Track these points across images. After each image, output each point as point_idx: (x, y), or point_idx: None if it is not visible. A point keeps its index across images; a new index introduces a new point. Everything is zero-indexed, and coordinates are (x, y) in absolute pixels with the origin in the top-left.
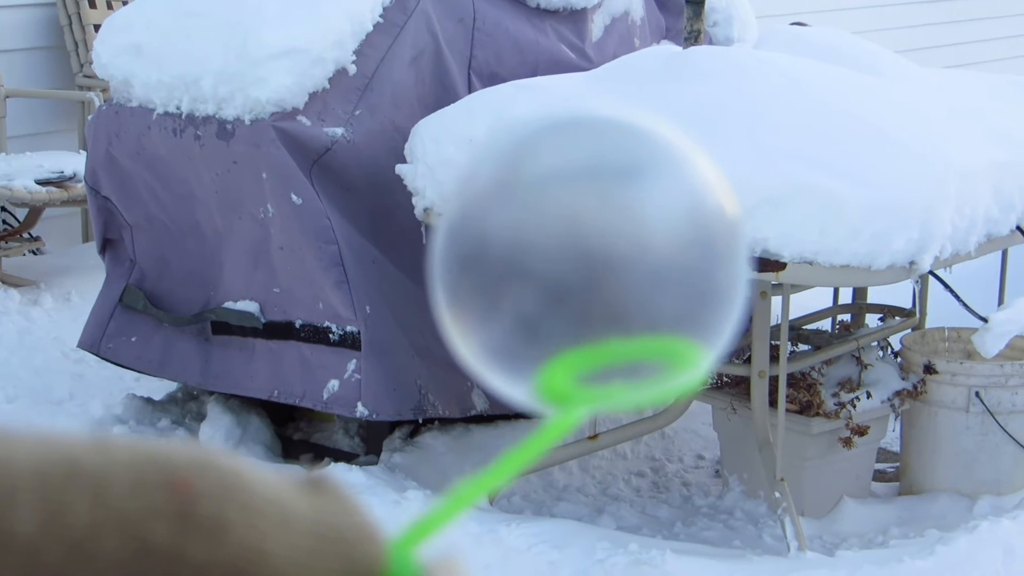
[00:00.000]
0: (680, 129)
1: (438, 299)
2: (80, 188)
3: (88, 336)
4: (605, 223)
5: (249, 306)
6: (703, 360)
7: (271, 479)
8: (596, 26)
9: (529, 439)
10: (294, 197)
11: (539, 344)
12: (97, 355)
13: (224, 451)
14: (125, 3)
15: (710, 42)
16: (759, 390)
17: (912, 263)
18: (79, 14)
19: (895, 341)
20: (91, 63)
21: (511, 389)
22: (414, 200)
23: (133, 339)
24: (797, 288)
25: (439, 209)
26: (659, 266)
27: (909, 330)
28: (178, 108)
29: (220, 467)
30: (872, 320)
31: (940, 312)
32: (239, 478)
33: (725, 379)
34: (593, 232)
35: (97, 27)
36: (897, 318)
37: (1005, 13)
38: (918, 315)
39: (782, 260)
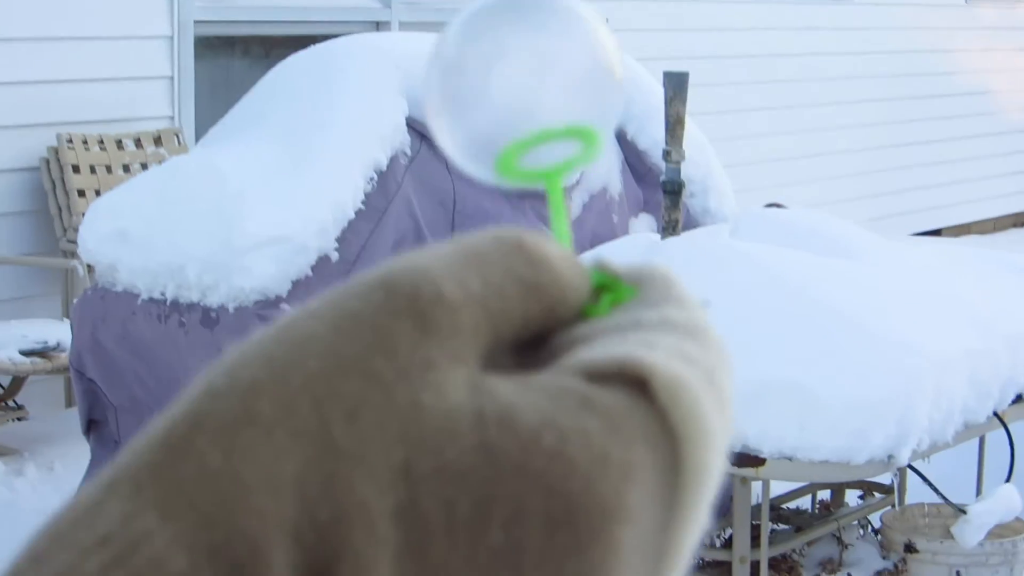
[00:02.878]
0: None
1: (429, 121)
2: (64, 357)
3: None
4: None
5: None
6: (603, 134)
7: None
8: (575, 204)
9: (552, 214)
10: None
11: (494, 140)
12: None
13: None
14: (108, 169)
15: (687, 214)
16: (741, 575)
17: (891, 457)
18: (63, 179)
19: (875, 518)
20: (75, 228)
21: (483, 175)
22: None
23: None
24: None
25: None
26: (567, 76)
27: (889, 507)
28: (163, 294)
29: (523, 231)
30: (852, 496)
31: (920, 485)
32: (530, 233)
33: (706, 562)
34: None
35: (81, 192)
36: (877, 495)
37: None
38: (897, 492)
39: (761, 456)
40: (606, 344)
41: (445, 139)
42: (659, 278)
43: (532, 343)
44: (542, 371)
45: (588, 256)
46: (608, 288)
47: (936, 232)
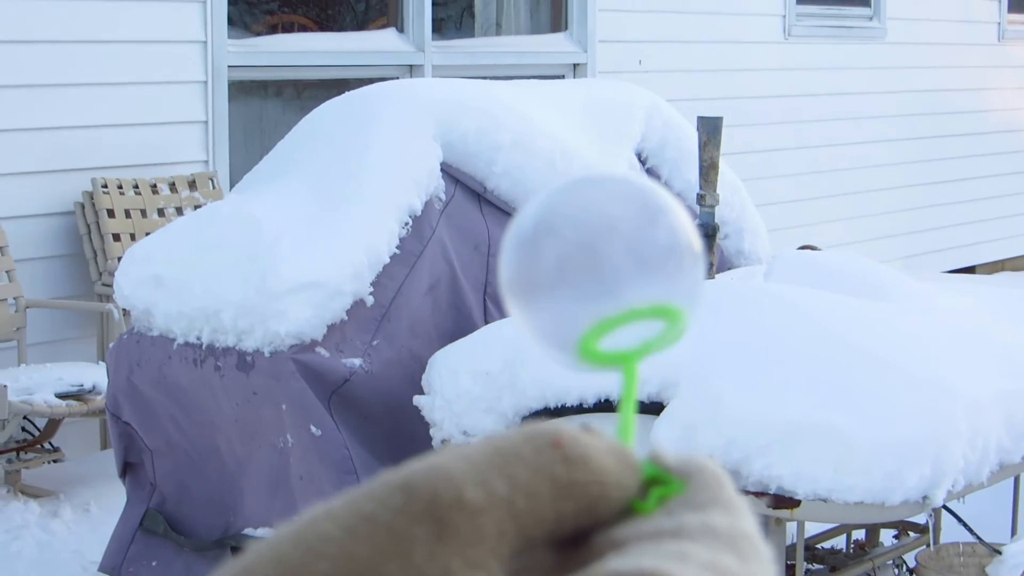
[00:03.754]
0: (693, 364)
1: (507, 301)
2: (99, 400)
3: (109, 560)
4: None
5: (269, 534)
6: (688, 313)
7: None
8: None
9: (622, 400)
10: (313, 428)
11: (576, 321)
12: None
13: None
14: (143, 214)
15: (721, 256)
16: None
17: (925, 498)
18: (97, 223)
19: (910, 558)
20: (110, 272)
21: (563, 358)
22: (432, 431)
23: (154, 563)
24: None
25: (446, 433)
26: (646, 255)
27: (924, 546)
28: (198, 339)
29: (562, 427)
30: (887, 536)
31: (955, 524)
32: (569, 429)
33: None
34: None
35: (115, 236)
36: (911, 534)
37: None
38: (932, 531)
39: (796, 497)
40: (640, 553)
41: (523, 320)
42: (709, 475)
43: (575, 538)
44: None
45: (644, 448)
46: (658, 481)
47: (970, 269)
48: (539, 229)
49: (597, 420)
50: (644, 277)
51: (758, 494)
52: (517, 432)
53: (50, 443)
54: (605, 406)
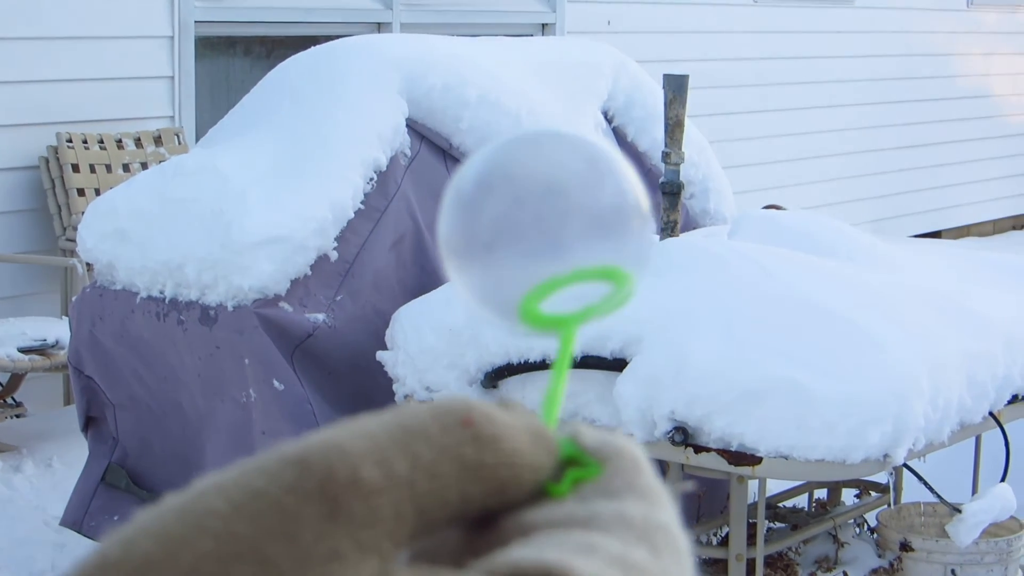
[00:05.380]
0: (657, 321)
1: (445, 261)
2: (62, 355)
3: (71, 514)
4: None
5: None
6: (634, 278)
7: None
8: None
9: (554, 367)
10: (276, 383)
11: (517, 282)
12: (80, 533)
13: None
14: (108, 169)
15: (687, 215)
16: (737, 573)
17: (886, 456)
18: (62, 178)
19: (871, 517)
20: (74, 227)
21: (502, 319)
22: (395, 387)
23: (116, 518)
24: None
25: (409, 388)
26: (593, 216)
27: (885, 506)
28: (161, 293)
29: (474, 403)
30: (848, 495)
31: (916, 484)
32: (482, 406)
33: (702, 560)
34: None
35: (80, 191)
36: (873, 493)
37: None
38: (893, 490)
39: (758, 455)
40: (545, 543)
41: (462, 280)
42: (628, 460)
43: (484, 520)
44: (480, 560)
45: (564, 426)
46: (575, 462)
47: (936, 234)
48: (480, 186)
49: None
50: (590, 238)
51: (720, 451)
52: (428, 407)
53: (13, 398)
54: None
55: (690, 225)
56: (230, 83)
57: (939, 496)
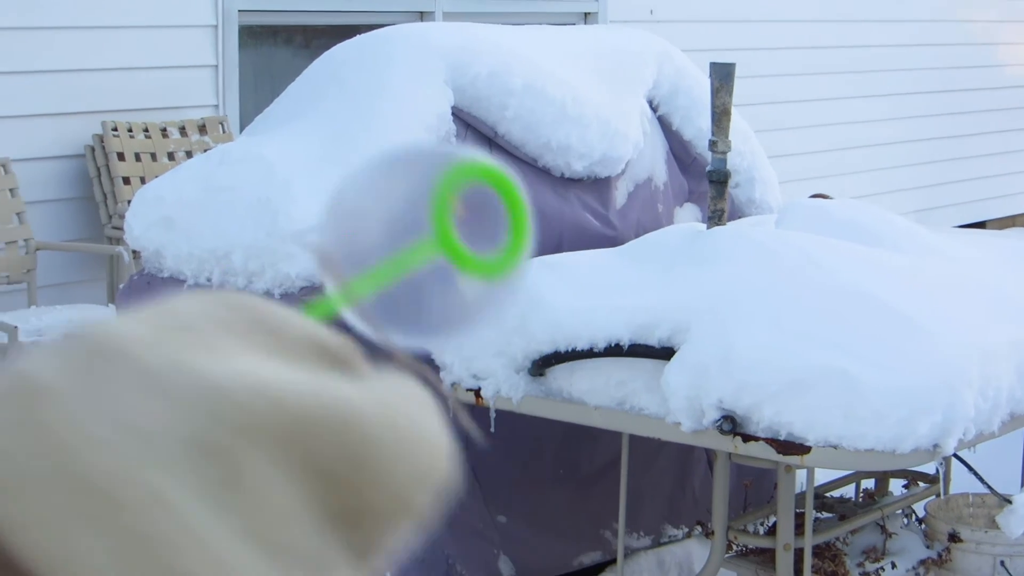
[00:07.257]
0: (705, 309)
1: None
2: None
3: None
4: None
5: None
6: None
7: None
8: (620, 193)
9: (402, 256)
10: None
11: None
12: None
13: None
14: (153, 157)
15: (733, 204)
16: (784, 562)
17: (936, 446)
18: (107, 166)
19: (919, 508)
20: (120, 215)
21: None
22: (442, 375)
23: None
24: None
25: (456, 377)
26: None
27: (933, 496)
28: (209, 280)
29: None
30: (896, 485)
31: (965, 475)
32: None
33: (750, 549)
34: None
35: (125, 179)
36: (921, 484)
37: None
38: (942, 481)
39: (807, 444)
40: None
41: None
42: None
43: None
44: None
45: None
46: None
47: (981, 224)
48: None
49: (608, 365)
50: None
51: (769, 440)
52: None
53: None
54: (615, 350)
55: (736, 214)
56: (273, 72)
57: (989, 487)
